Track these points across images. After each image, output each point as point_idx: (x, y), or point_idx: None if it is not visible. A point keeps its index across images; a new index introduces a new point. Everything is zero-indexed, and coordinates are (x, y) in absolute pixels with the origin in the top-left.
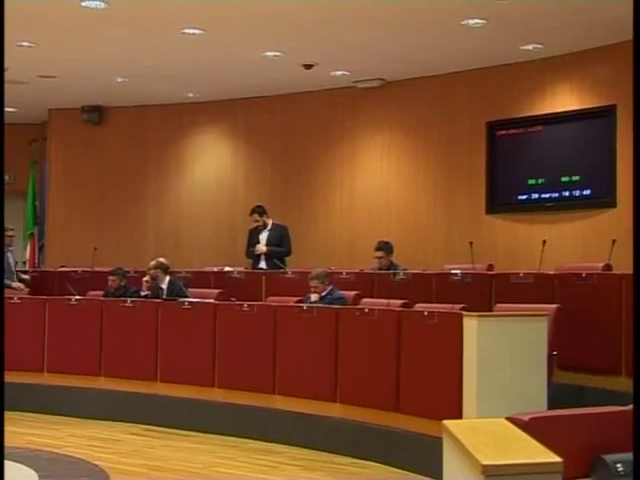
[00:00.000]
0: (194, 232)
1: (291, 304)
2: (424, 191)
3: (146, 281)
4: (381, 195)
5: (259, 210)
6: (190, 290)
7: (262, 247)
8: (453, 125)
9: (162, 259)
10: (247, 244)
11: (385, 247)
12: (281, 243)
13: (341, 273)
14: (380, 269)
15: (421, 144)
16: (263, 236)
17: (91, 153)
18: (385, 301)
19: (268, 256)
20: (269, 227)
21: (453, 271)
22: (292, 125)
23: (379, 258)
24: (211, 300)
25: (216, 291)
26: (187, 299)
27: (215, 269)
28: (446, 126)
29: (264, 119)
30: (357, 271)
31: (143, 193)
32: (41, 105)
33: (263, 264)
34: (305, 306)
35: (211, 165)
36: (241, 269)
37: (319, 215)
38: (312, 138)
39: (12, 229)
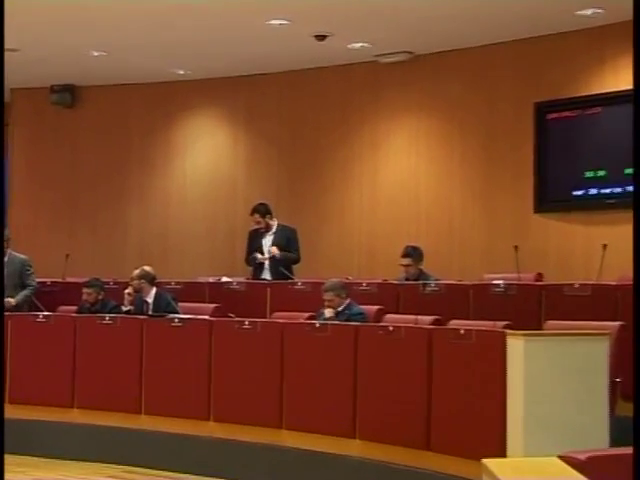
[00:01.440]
0: (185, 236)
1: (301, 321)
2: (460, 186)
3: (128, 294)
4: (408, 192)
5: (262, 209)
6: (181, 304)
7: (274, 249)
8: (494, 107)
9: (147, 268)
10: (247, 249)
11: (413, 253)
12: (288, 248)
13: (360, 284)
14: (407, 279)
15: (456, 130)
16: (267, 240)
17: (62, 142)
18: (413, 317)
19: (273, 264)
20: (274, 229)
21: (494, 282)
22: (302, 108)
23: (406, 266)
24: (206, 316)
25: (212, 306)
26: (177, 315)
27: (210, 279)
28: (486, 108)
29: (269, 101)
30: (380, 282)
31: (124, 190)
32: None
33: (267, 273)
34: (318, 323)
35: (206, 157)
36: (241, 279)
37: (334, 215)
38: (326, 124)
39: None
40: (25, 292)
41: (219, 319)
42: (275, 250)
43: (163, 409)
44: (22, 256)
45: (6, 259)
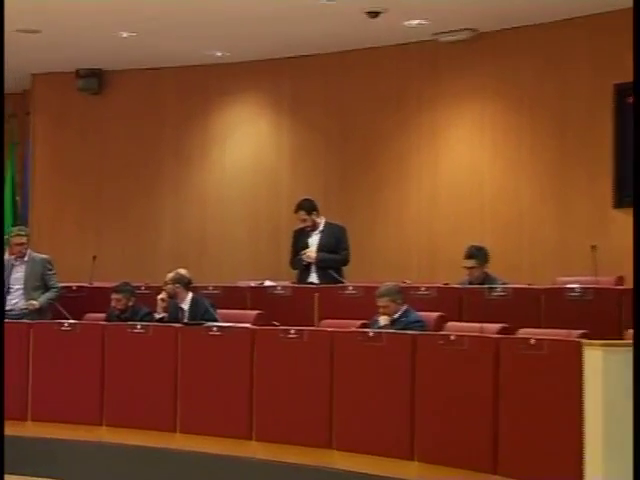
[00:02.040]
0: (224, 235)
1: (352, 329)
2: (529, 179)
3: (161, 300)
4: (471, 185)
5: (307, 206)
6: (219, 311)
7: (312, 252)
8: (568, 90)
9: (182, 271)
10: (292, 250)
11: (478, 254)
12: (337, 249)
13: (419, 288)
14: (471, 283)
15: (525, 116)
16: (313, 240)
17: (88, 133)
18: (478, 325)
19: (322, 266)
20: (321, 228)
21: (569, 285)
22: (353, 94)
23: (470, 268)
24: (247, 325)
25: (254, 312)
26: (215, 323)
27: (252, 284)
28: (559, 92)
29: (316, 86)
30: (440, 286)
31: (157, 185)
32: (22, 69)
33: (314, 277)
34: (371, 332)
35: (246, 148)
36: (286, 284)
37: (389, 212)
38: (379, 111)
39: (23, 233)
40: (49, 295)
41: (262, 327)
42: (312, 253)
43: (200, 427)
44: (43, 255)
45: (26, 259)
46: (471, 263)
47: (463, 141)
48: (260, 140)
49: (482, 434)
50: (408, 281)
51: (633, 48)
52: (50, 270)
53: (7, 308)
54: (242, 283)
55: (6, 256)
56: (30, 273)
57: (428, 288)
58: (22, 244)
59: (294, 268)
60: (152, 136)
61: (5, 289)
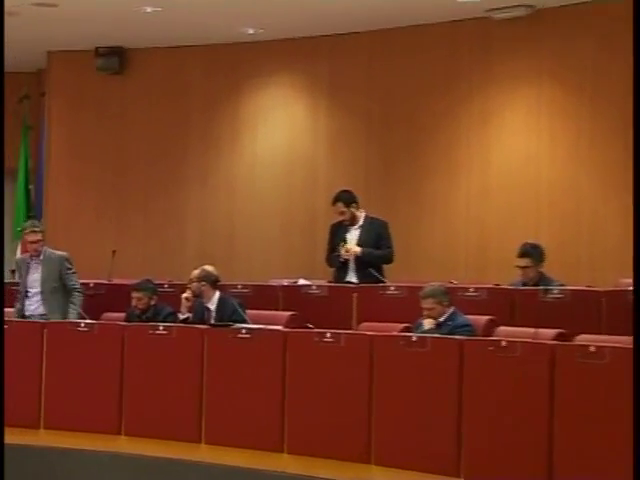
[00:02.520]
0: (254, 229)
1: (394, 333)
2: (589, 170)
3: (186, 299)
4: (526, 177)
5: (346, 197)
6: (249, 312)
7: (354, 247)
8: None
9: (209, 267)
10: (329, 246)
11: (533, 252)
12: (378, 246)
13: (467, 289)
14: (525, 284)
15: (586, 102)
16: (352, 235)
17: (107, 116)
18: (532, 330)
19: (361, 264)
20: (360, 222)
21: (633, 287)
22: (397, 75)
23: (524, 268)
24: (279, 327)
25: (286, 314)
26: (245, 325)
27: (285, 282)
28: (625, 75)
29: (357, 67)
30: (490, 286)
31: (182, 174)
32: (37, 46)
33: (353, 275)
34: (415, 336)
35: (280, 135)
36: (322, 282)
37: (435, 205)
38: (426, 94)
39: (37, 229)
40: (74, 305)
41: (295, 330)
42: (354, 249)
43: (227, 438)
44: (60, 252)
45: (41, 257)
46: (525, 262)
47: (517, 129)
48: (295, 126)
49: (535, 447)
50: (455, 281)
51: (633, 48)
52: (69, 269)
53: (26, 314)
54: (274, 282)
55: (19, 254)
56: (47, 274)
57: (477, 289)
58: (37, 241)
59: (330, 265)
60: (177, 121)
61: (22, 292)
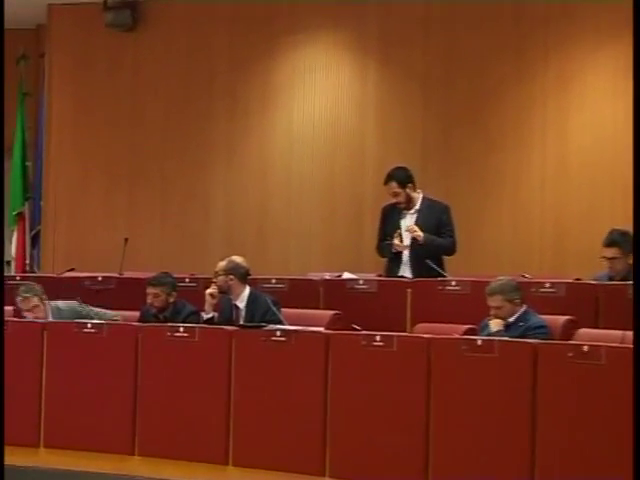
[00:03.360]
0: (290, 215)
1: (455, 336)
2: None
3: (211, 295)
4: (613, 151)
5: (401, 176)
6: (285, 311)
7: (414, 229)
8: None
9: (238, 259)
10: (379, 233)
11: (622, 241)
12: (438, 234)
13: (542, 284)
14: (611, 278)
15: None
16: (407, 221)
17: (119, 80)
18: (619, 333)
19: (417, 255)
20: (417, 206)
21: None
22: (460, 32)
23: (611, 259)
24: (320, 328)
25: (328, 313)
26: (279, 326)
27: (327, 276)
28: None
29: (413, 22)
30: (570, 281)
31: (205, 149)
32: None
33: (407, 269)
34: (479, 340)
35: (321, 102)
36: (370, 277)
37: (504, 185)
38: (492, 54)
39: (28, 295)
40: None
41: (339, 332)
42: (416, 230)
43: (258, 459)
44: (70, 304)
45: (43, 314)
46: (613, 252)
47: (601, 93)
48: (339, 92)
49: (619, 467)
50: (528, 275)
51: (633, 48)
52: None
53: None
54: (314, 275)
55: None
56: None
57: (554, 284)
58: (34, 308)
59: (381, 255)
60: (199, 87)
61: None
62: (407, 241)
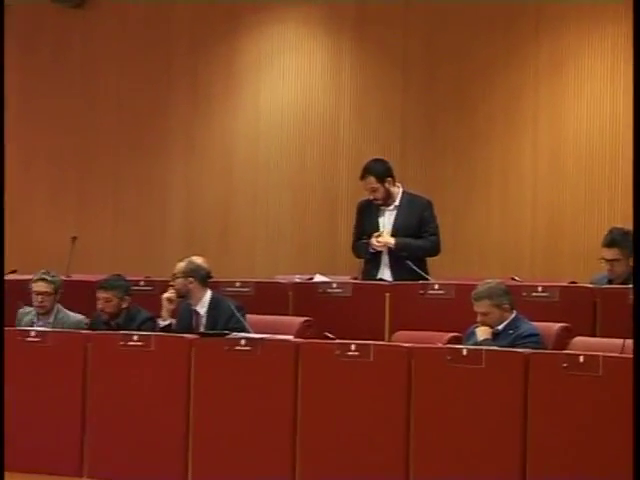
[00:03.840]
0: (258, 212)
1: (438, 346)
2: None
3: (168, 300)
4: (613, 140)
5: (379, 169)
6: (250, 317)
7: (386, 238)
8: None
9: (198, 259)
10: (355, 232)
11: (623, 241)
12: (420, 232)
13: (534, 288)
14: (611, 282)
15: None
16: (386, 218)
17: (66, 62)
18: (619, 342)
19: (397, 255)
20: (397, 201)
21: None
22: (441, 11)
23: (610, 261)
24: (289, 337)
25: (298, 320)
26: (244, 334)
27: (297, 279)
28: None
29: None
30: (565, 285)
31: (163, 139)
32: None
33: (386, 270)
34: (465, 349)
35: (290, 86)
36: (345, 279)
37: (492, 180)
38: (482, 32)
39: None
40: None
41: (310, 341)
42: (387, 239)
43: (221, 476)
44: (77, 317)
45: (50, 319)
46: (613, 254)
47: (599, 77)
48: (311, 76)
49: None
50: (518, 278)
51: (633, 48)
52: None
53: None
54: (282, 278)
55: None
56: None
57: (547, 288)
58: (44, 294)
59: (357, 255)
60: (156, 68)
61: None
62: (390, 240)
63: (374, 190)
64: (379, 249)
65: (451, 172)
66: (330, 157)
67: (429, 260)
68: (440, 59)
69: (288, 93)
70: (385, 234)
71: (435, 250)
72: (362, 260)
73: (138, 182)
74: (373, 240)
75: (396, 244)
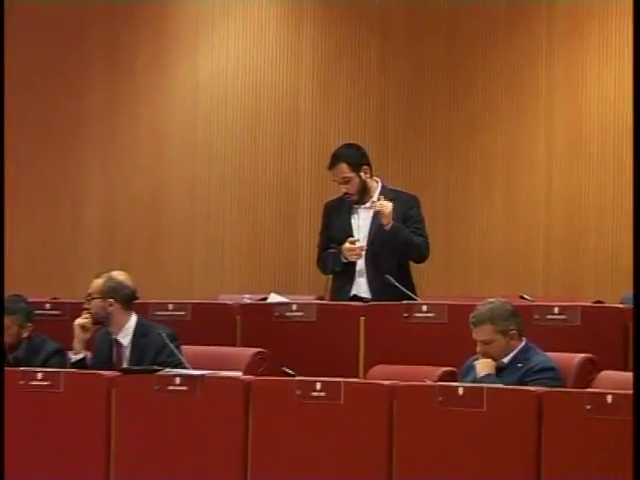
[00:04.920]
0: (196, 214)
1: (428, 384)
2: None
3: (82, 327)
4: None
5: (352, 156)
6: (187, 349)
7: (385, 204)
8: None
9: (120, 275)
10: (321, 239)
11: None
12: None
13: (549, 309)
14: None
15: None
16: (361, 219)
17: None
18: None
19: (375, 266)
20: (375, 197)
21: None
22: None
23: None
24: (238, 373)
25: (249, 351)
26: (180, 370)
27: (246, 299)
28: None
29: None
30: (588, 305)
31: (76, 124)
32: None
33: (363, 285)
34: (462, 388)
35: (237, 54)
36: (308, 299)
37: (495, 174)
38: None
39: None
40: None
41: (263, 379)
42: (386, 205)
43: None
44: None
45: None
46: None
47: (628, 40)
48: (263, 43)
49: None
50: (529, 297)
51: (633, 48)
52: None
53: None
54: (228, 298)
55: None
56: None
57: (565, 309)
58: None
59: (325, 270)
60: (68, 38)
61: None
62: (363, 242)
63: (346, 181)
64: (353, 258)
65: (442, 165)
66: (288, 143)
67: (415, 274)
68: (427, 22)
69: (234, 65)
70: (360, 238)
71: (425, 251)
72: (331, 276)
73: (43, 180)
74: (347, 245)
75: (392, 225)
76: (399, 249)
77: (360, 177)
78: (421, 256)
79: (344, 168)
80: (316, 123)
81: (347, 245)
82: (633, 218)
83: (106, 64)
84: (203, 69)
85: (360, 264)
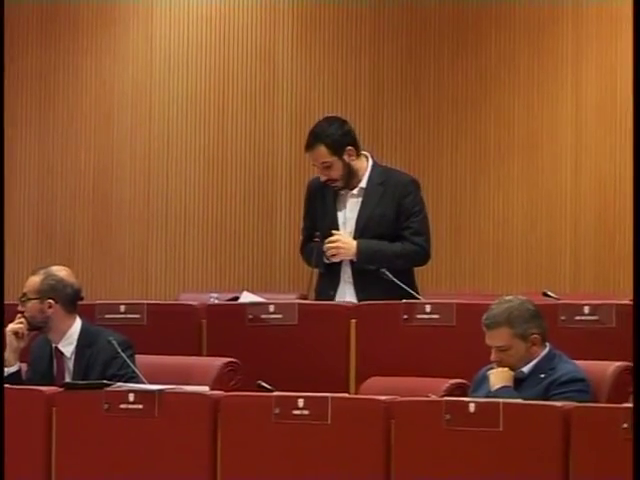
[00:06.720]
0: (152, 199)
1: (433, 399)
2: None
3: (15, 334)
4: None
5: (332, 135)
6: (142, 359)
7: (344, 238)
8: None
9: (61, 271)
10: (304, 226)
11: None
12: (399, 228)
13: (579, 308)
14: None
15: None
16: (347, 209)
17: None
18: None
19: (364, 266)
20: (364, 182)
21: None
22: None
23: None
24: (204, 388)
25: (218, 361)
26: (134, 385)
27: (213, 299)
28: None
29: None
30: (624, 303)
31: (11, 94)
32: None
33: (348, 289)
34: (473, 404)
35: (200, 14)
36: (287, 299)
37: (511, 153)
38: None
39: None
40: None
41: (235, 394)
42: (345, 241)
43: None
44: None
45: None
46: None
47: None
48: (232, 10)
49: None
50: (553, 294)
51: (633, 48)
52: None
53: None
54: (191, 298)
55: None
56: None
57: (597, 308)
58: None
59: (308, 261)
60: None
61: None
62: (349, 237)
63: (327, 167)
64: (335, 259)
65: (447, 142)
66: (263, 118)
67: (417, 268)
68: None
69: (195, 25)
70: (345, 233)
71: (422, 257)
72: (316, 270)
73: None
74: (327, 245)
75: (359, 252)
76: (380, 268)
77: (343, 160)
78: (417, 264)
79: (323, 151)
80: (295, 86)
81: (327, 245)
82: (633, 219)
83: (40, 30)
84: (159, 33)
85: (345, 264)
